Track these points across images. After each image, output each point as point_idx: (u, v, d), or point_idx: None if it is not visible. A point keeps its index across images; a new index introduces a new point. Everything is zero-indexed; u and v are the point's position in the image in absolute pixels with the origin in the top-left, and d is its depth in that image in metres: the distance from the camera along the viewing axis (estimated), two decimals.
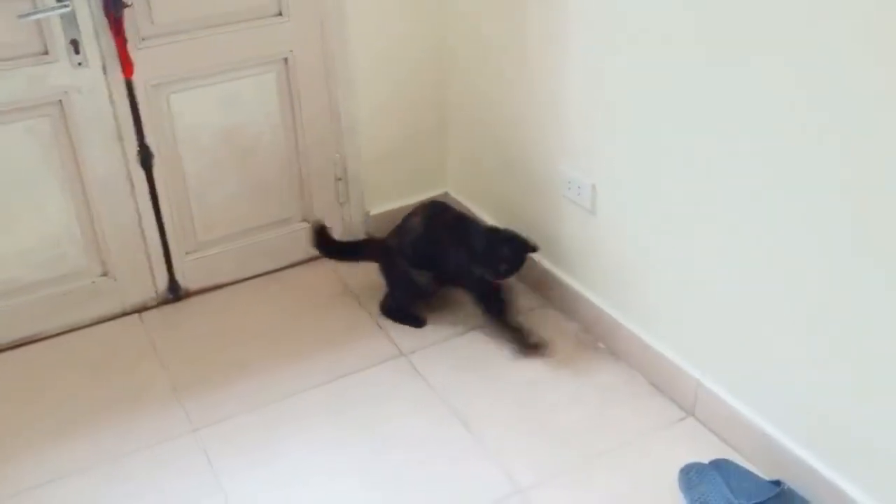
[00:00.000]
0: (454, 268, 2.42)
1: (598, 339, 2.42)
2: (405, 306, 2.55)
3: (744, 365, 1.99)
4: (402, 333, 2.49)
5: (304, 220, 2.78)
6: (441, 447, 2.11)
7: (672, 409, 2.18)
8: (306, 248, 2.80)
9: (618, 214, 2.23)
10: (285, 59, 2.51)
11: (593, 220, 2.31)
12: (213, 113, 2.48)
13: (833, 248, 1.69)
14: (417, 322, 2.53)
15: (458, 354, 2.41)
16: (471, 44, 2.63)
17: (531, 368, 2.34)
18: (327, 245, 2.64)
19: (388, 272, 2.56)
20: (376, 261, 2.58)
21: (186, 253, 2.63)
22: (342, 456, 2.10)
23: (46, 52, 2.20)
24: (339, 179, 2.76)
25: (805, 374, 1.84)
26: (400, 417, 2.20)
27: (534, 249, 2.37)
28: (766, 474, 1.94)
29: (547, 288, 2.57)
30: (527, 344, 2.39)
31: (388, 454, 2.09)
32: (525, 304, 2.56)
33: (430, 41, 2.70)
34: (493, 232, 2.43)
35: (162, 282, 2.62)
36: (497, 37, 2.48)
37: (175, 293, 2.65)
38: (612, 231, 2.26)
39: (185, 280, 2.65)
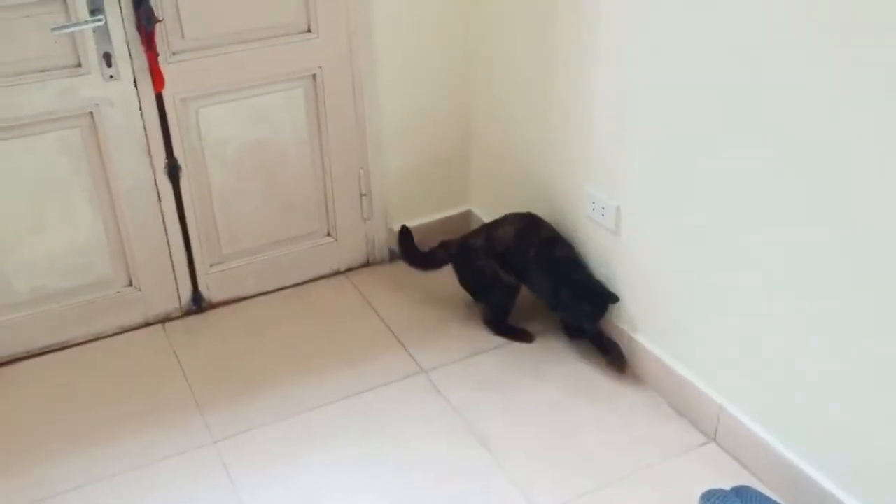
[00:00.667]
0: (537, 289, 2.45)
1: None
2: (503, 311, 2.52)
3: (767, 391, 1.97)
4: (423, 350, 2.48)
5: (328, 234, 2.80)
6: (460, 467, 2.10)
7: (694, 434, 2.16)
8: (329, 262, 2.82)
9: (642, 236, 2.22)
10: (314, 76, 2.53)
11: (617, 241, 2.30)
12: (241, 127, 2.51)
13: (866, 273, 1.67)
14: (527, 336, 2.50)
15: (478, 373, 2.40)
16: (497, 62, 2.64)
17: (553, 389, 2.33)
18: (413, 253, 2.65)
19: (474, 276, 2.52)
20: (454, 263, 2.55)
21: (211, 265, 2.64)
22: (361, 473, 2.09)
23: (79, 65, 2.23)
24: (364, 195, 2.77)
25: (830, 402, 1.82)
26: (419, 436, 2.19)
27: (615, 300, 2.33)
28: (788, 503, 1.91)
29: None
30: (609, 354, 2.38)
31: (407, 472, 2.09)
32: (546, 326, 2.54)
33: (456, 59, 2.71)
34: (575, 274, 2.38)
35: (186, 293, 2.63)
36: (523, 56, 2.49)
37: (198, 305, 2.66)
38: (636, 253, 2.25)
39: (209, 292, 2.67)
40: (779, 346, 1.90)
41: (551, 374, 2.39)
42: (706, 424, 2.15)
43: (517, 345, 2.50)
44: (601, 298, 2.33)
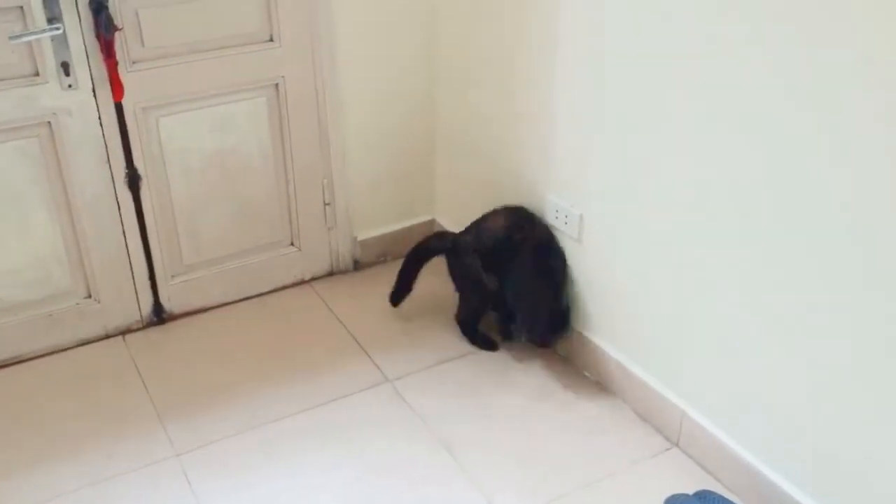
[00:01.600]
0: (508, 287, 2.40)
1: (583, 368, 2.42)
2: (477, 314, 2.51)
3: (730, 396, 1.99)
4: (388, 359, 2.48)
5: (292, 244, 2.78)
6: (426, 475, 2.10)
7: (657, 440, 2.19)
8: (293, 272, 2.80)
9: (604, 244, 2.24)
10: (276, 85, 2.52)
11: (580, 249, 2.32)
12: (203, 136, 2.49)
13: (826, 276, 1.69)
14: (491, 345, 2.51)
15: (443, 381, 2.40)
16: (460, 72, 2.65)
17: (518, 396, 2.34)
18: (402, 288, 2.61)
19: (458, 272, 2.51)
20: (447, 255, 2.53)
21: (172, 276, 2.62)
22: (326, 482, 2.08)
23: (37, 74, 2.20)
24: (328, 204, 2.76)
25: (790, 407, 1.85)
26: (385, 444, 2.19)
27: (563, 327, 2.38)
28: None
29: None
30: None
31: (372, 481, 2.08)
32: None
33: (419, 68, 2.72)
34: (549, 293, 2.36)
35: (146, 305, 2.60)
36: (486, 66, 2.50)
37: (159, 316, 2.63)
38: (599, 261, 2.27)
39: (170, 303, 2.64)
40: (739, 352, 1.93)
41: (516, 381, 2.39)
42: (669, 430, 2.17)
43: (482, 353, 2.50)
44: (557, 326, 2.37)
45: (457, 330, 2.56)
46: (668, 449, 2.16)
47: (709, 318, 1.98)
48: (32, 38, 2.14)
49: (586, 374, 2.41)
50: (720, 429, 2.03)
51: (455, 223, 2.72)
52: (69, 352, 2.52)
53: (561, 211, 2.33)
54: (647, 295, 2.15)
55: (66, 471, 2.11)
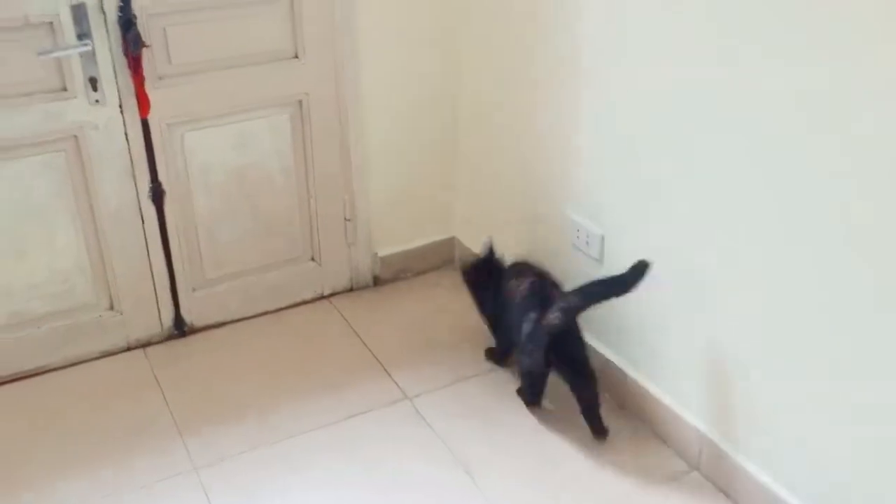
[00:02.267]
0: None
1: (604, 389, 2.40)
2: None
3: (751, 421, 1.98)
4: (407, 376, 2.47)
5: (312, 259, 2.79)
6: (443, 493, 2.09)
7: (677, 463, 2.17)
8: (313, 287, 2.81)
9: (625, 265, 2.23)
10: (300, 101, 2.54)
11: (601, 270, 2.31)
12: (227, 152, 2.51)
13: (852, 304, 1.68)
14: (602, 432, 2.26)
15: (462, 399, 2.39)
16: (482, 90, 2.66)
17: (536, 416, 2.33)
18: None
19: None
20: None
21: (193, 289, 2.63)
22: (343, 499, 2.08)
23: (65, 89, 2.22)
24: (348, 220, 2.77)
25: (814, 433, 1.83)
26: (402, 461, 2.18)
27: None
28: None
29: None
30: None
31: (389, 498, 2.08)
32: None
33: (441, 87, 2.73)
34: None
35: (168, 317, 2.62)
36: (508, 83, 2.51)
37: (180, 329, 2.64)
38: None
39: (191, 316, 2.65)
40: (761, 376, 1.92)
41: None
42: (689, 453, 2.15)
43: (500, 371, 2.49)
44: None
45: (474, 348, 2.55)
46: (687, 472, 2.14)
47: (732, 341, 1.97)
48: (62, 54, 2.16)
49: (606, 395, 2.40)
50: (741, 454, 2.02)
51: (475, 240, 2.71)
52: (91, 363, 2.53)
53: (582, 231, 2.33)
54: (668, 318, 2.14)
55: (85, 482, 2.12)
